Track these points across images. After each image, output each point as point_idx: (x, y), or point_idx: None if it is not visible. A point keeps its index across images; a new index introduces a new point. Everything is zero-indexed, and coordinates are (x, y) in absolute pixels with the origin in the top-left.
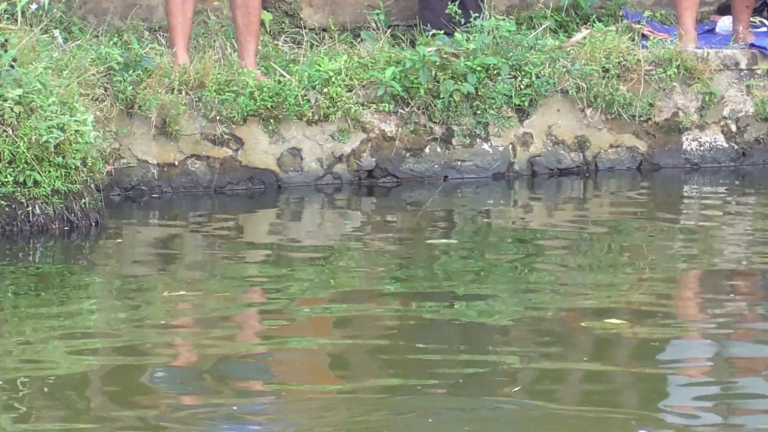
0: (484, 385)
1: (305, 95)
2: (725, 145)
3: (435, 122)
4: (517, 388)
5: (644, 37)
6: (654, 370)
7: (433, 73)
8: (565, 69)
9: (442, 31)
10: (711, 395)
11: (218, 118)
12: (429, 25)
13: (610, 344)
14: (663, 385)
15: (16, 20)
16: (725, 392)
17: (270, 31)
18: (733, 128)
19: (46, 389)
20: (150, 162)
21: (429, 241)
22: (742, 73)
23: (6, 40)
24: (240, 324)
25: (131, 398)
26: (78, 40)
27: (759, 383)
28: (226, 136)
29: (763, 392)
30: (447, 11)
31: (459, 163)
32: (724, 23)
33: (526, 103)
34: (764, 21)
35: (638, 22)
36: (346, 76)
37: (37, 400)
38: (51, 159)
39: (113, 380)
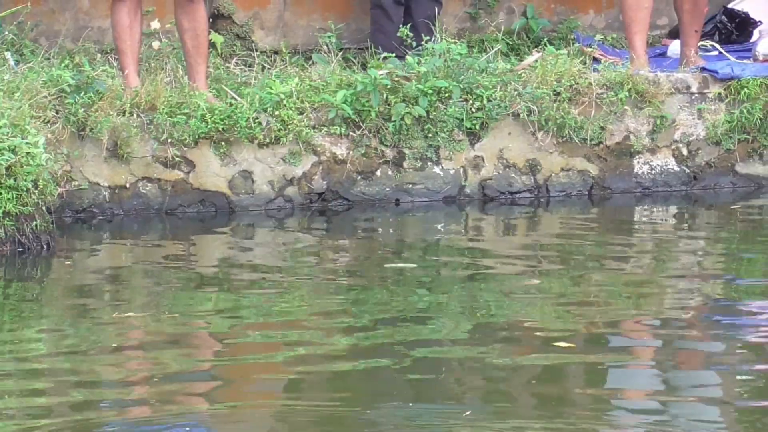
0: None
1: (257, 118)
2: (676, 168)
3: (386, 145)
4: (468, 412)
5: (596, 60)
6: (600, 393)
7: (385, 96)
8: (516, 92)
9: (394, 54)
10: (653, 419)
11: (170, 140)
12: (381, 47)
13: (557, 368)
14: (609, 409)
15: None
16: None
17: (221, 54)
18: (685, 152)
19: None
20: (101, 184)
21: (387, 265)
22: (693, 97)
23: None
24: (189, 346)
25: (81, 417)
26: (29, 62)
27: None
28: (177, 159)
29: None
30: (398, 34)
31: (410, 186)
32: (675, 47)
33: (478, 126)
34: (715, 45)
35: (589, 46)
36: (298, 98)
37: None
38: (2, 181)
39: (62, 405)
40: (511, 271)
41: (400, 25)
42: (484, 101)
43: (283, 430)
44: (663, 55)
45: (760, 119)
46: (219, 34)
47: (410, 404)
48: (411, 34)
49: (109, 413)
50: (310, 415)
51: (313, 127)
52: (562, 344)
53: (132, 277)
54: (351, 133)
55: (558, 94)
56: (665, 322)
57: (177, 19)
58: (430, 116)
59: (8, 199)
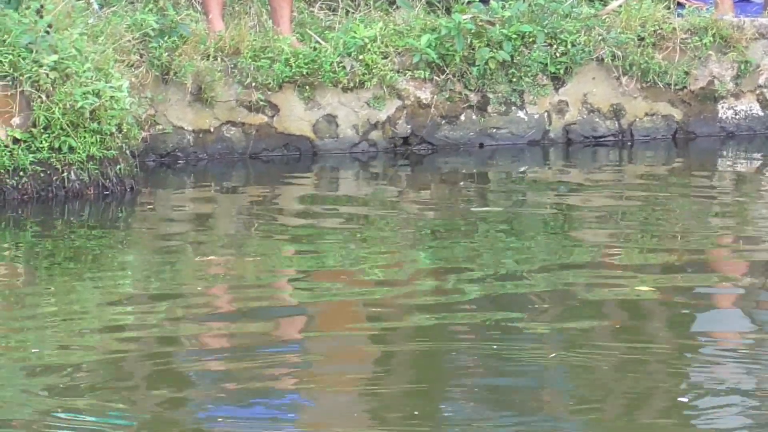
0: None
1: (341, 62)
2: (761, 113)
3: (470, 90)
4: (553, 355)
5: (680, 5)
6: (687, 341)
7: (469, 40)
8: (600, 37)
9: None
10: (745, 368)
11: (253, 84)
12: None
13: (642, 312)
14: (697, 355)
15: None
16: (756, 361)
17: None
18: None
19: (82, 361)
20: (185, 128)
21: (473, 209)
22: None
23: (41, 6)
24: (271, 291)
25: (164, 368)
26: (113, 6)
27: None
28: (261, 103)
29: None
30: None
31: (494, 130)
32: None
33: (562, 71)
34: None
35: None
36: (382, 43)
37: (73, 370)
38: (86, 125)
39: (148, 349)
40: (594, 214)
41: None
42: (568, 46)
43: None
44: (747, 0)
45: None
46: None
47: (494, 346)
48: None
49: (191, 362)
50: (396, 384)
51: (398, 72)
52: (644, 288)
53: (215, 220)
54: (435, 78)
55: (642, 39)
56: (753, 265)
57: None
58: (515, 61)
59: (92, 142)
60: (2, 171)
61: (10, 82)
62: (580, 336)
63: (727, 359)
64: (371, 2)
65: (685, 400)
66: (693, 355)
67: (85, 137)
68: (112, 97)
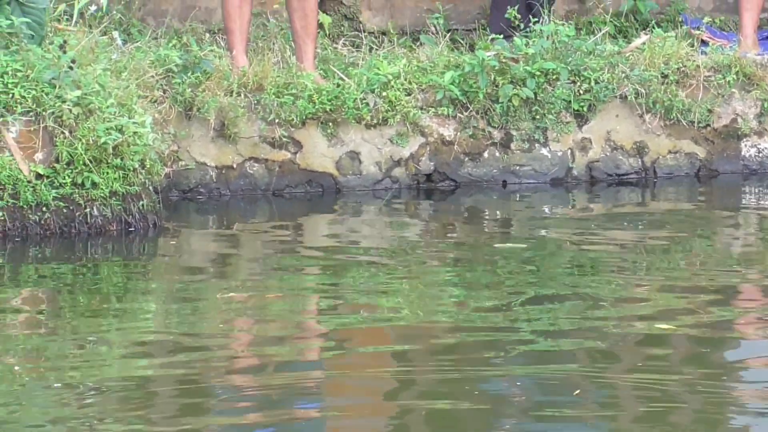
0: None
1: (364, 99)
2: None
3: (494, 127)
4: (577, 392)
5: (703, 43)
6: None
7: (492, 77)
8: (624, 74)
9: (501, 36)
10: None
11: (277, 121)
12: (500, 32)
13: (664, 349)
14: (717, 388)
15: (75, 22)
16: None
17: (329, 35)
18: None
19: (103, 390)
20: (208, 164)
21: (496, 245)
22: None
23: (65, 42)
24: (295, 329)
25: (184, 400)
26: (137, 41)
27: None
28: (284, 139)
29: None
30: (506, 16)
31: (518, 167)
32: None
33: (585, 108)
34: None
35: (697, 28)
36: (405, 79)
37: (93, 403)
38: (109, 161)
39: (168, 383)
40: (617, 252)
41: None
42: (592, 83)
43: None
44: None
45: None
46: (327, 14)
47: (518, 383)
48: (519, 16)
49: (215, 398)
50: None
51: (421, 108)
52: (665, 326)
53: (238, 257)
54: (458, 115)
55: (666, 76)
56: None
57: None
58: (538, 98)
59: (115, 178)
60: (25, 206)
61: (33, 118)
62: (603, 371)
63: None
64: (395, 39)
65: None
66: (720, 391)
67: (107, 173)
68: (135, 132)
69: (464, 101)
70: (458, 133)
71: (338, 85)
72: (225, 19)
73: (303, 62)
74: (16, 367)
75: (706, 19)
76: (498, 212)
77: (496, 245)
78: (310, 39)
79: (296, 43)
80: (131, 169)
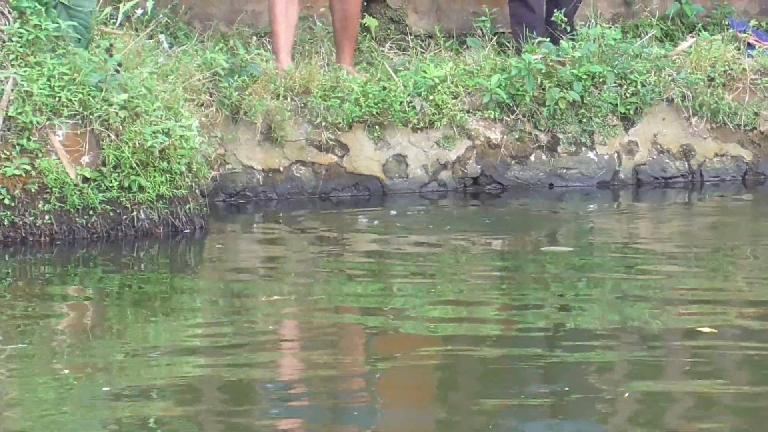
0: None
1: (411, 102)
2: None
3: (540, 130)
4: (627, 395)
5: (750, 46)
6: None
7: (539, 80)
8: (670, 77)
9: (548, 39)
10: None
11: (323, 124)
12: (521, 40)
13: (709, 356)
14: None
15: (122, 25)
16: None
17: (375, 38)
18: None
19: (150, 392)
20: (255, 168)
21: (542, 249)
22: None
23: (111, 45)
24: (340, 333)
25: (232, 404)
26: (183, 45)
27: None
28: (331, 142)
29: None
30: (553, 19)
31: (564, 170)
32: None
33: (632, 112)
34: None
35: (744, 31)
36: (452, 83)
37: (141, 405)
38: (156, 164)
39: (214, 385)
40: (663, 255)
41: (542, 16)
42: (638, 86)
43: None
44: None
45: None
46: (373, 17)
47: (566, 388)
48: (565, 19)
49: (262, 400)
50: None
51: (467, 112)
52: (706, 330)
53: (284, 260)
54: (505, 118)
55: (712, 79)
56: None
57: (331, 1)
58: (584, 101)
59: (162, 182)
60: (72, 210)
61: (80, 121)
62: (648, 372)
63: None
64: (441, 42)
65: None
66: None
67: (154, 176)
68: (181, 136)
69: (511, 104)
70: (505, 137)
71: (384, 89)
72: (271, 22)
73: (340, 61)
74: (66, 371)
75: (753, 22)
76: (544, 215)
77: (542, 248)
78: (348, 39)
79: (336, 42)
80: (178, 172)
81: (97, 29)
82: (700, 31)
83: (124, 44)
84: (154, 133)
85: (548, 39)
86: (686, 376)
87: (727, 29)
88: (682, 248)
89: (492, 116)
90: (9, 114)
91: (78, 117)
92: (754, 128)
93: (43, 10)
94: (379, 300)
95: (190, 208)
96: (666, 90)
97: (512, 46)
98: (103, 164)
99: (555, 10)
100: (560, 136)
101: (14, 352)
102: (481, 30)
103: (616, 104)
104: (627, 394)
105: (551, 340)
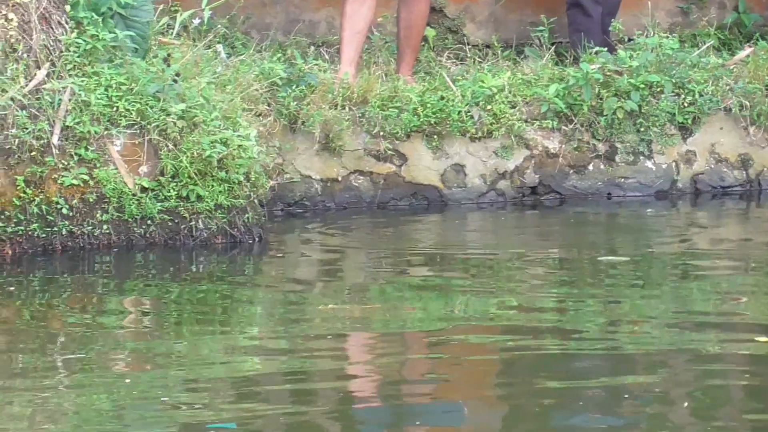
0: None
1: (468, 111)
2: None
3: (598, 139)
4: (685, 405)
5: None
6: None
7: (597, 90)
8: (728, 87)
9: (605, 49)
10: None
11: (382, 133)
12: (579, 48)
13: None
14: None
15: (179, 35)
16: None
17: (433, 48)
18: None
19: (209, 403)
20: (313, 177)
21: (599, 258)
22: None
23: (169, 55)
24: (400, 341)
25: (290, 411)
26: (241, 55)
27: None
28: (389, 152)
29: None
30: (611, 28)
31: (622, 180)
32: None
33: (690, 121)
34: None
35: None
36: (510, 92)
37: (199, 416)
38: (214, 174)
39: (274, 395)
40: (722, 266)
41: (599, 23)
42: (696, 96)
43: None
44: None
45: None
46: (431, 27)
47: (625, 394)
48: (623, 29)
49: (321, 408)
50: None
51: (525, 121)
52: (764, 339)
53: (342, 269)
54: (563, 127)
55: None
56: None
57: (398, 8)
58: (642, 110)
59: (220, 191)
60: (130, 219)
61: (138, 131)
62: (706, 390)
63: None
64: (499, 52)
65: None
66: None
67: (212, 186)
68: (240, 146)
69: (569, 114)
70: (563, 146)
71: (442, 98)
72: (339, 28)
73: (400, 70)
74: (127, 380)
75: None
76: (602, 225)
77: (599, 258)
78: (411, 49)
79: (398, 50)
80: (236, 182)
81: (155, 39)
82: (757, 40)
83: (182, 54)
84: (212, 142)
85: (605, 48)
86: (742, 379)
87: None
88: (740, 258)
89: (550, 126)
90: (67, 124)
91: (136, 127)
92: None
93: (100, 20)
94: (438, 307)
95: (248, 218)
96: (724, 99)
97: (570, 56)
98: (161, 174)
99: (612, 20)
100: (618, 145)
101: (73, 362)
102: (539, 40)
103: (674, 114)
104: (685, 393)
105: (607, 349)
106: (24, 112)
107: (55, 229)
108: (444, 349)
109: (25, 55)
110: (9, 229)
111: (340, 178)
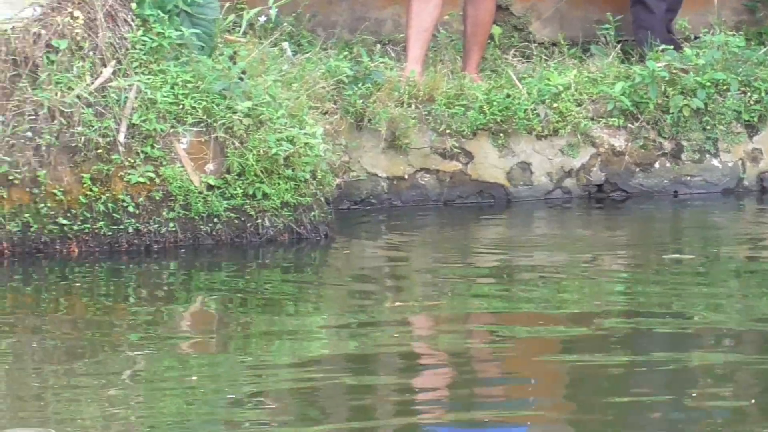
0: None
1: (535, 109)
2: None
3: (664, 137)
4: (752, 401)
5: None
6: None
7: (663, 88)
8: None
9: (672, 47)
10: None
11: (448, 131)
12: (644, 44)
13: None
14: None
15: (245, 33)
16: None
17: (499, 45)
18: None
19: (275, 402)
20: (379, 175)
21: (664, 256)
22: None
23: (235, 53)
24: (467, 339)
25: (355, 412)
26: (307, 53)
27: None
28: (455, 150)
29: None
30: (676, 26)
31: (688, 178)
32: None
33: (756, 119)
34: None
35: None
36: (576, 90)
37: (266, 415)
38: (280, 171)
39: (339, 394)
40: None
41: (662, 19)
42: (762, 94)
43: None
44: None
45: None
46: (497, 25)
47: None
48: (689, 27)
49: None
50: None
51: (591, 119)
52: None
53: (408, 267)
54: (629, 125)
55: None
56: None
57: (464, 6)
58: (708, 108)
59: (286, 189)
60: (196, 217)
61: (204, 129)
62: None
63: None
64: (565, 50)
65: None
66: None
67: (279, 184)
68: (306, 143)
69: (635, 112)
70: (629, 144)
71: (508, 96)
72: (405, 26)
73: (466, 68)
74: (193, 377)
75: None
76: (668, 223)
77: (664, 256)
78: (477, 46)
79: (464, 47)
80: (302, 180)
81: (221, 37)
82: None
83: (248, 52)
84: (278, 140)
85: (672, 46)
86: None
87: None
88: None
89: (616, 124)
90: (133, 122)
91: (202, 125)
92: None
93: (166, 18)
94: (504, 306)
95: (314, 216)
96: None
97: (636, 53)
98: (228, 172)
99: (674, 17)
100: (684, 143)
101: (139, 360)
102: (605, 37)
103: (740, 112)
104: (753, 401)
105: (674, 345)
106: (90, 109)
107: (121, 227)
108: (514, 348)
109: (91, 53)
110: (75, 227)
111: (406, 176)
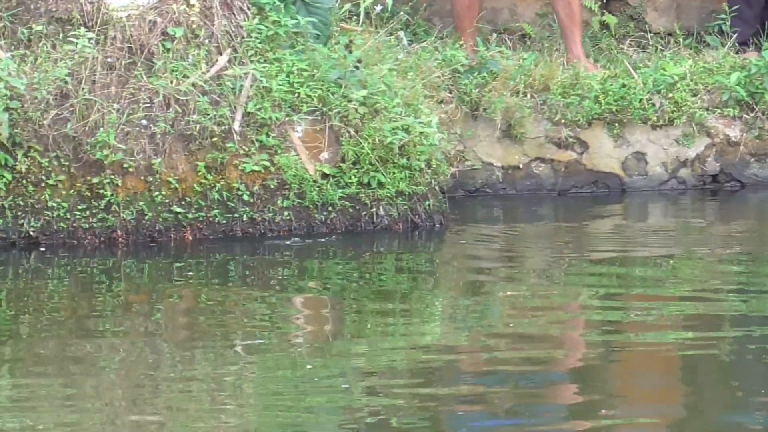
0: None
1: (650, 99)
2: None
3: None
4: None
5: None
6: None
7: None
8: None
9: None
10: None
11: (563, 121)
12: (738, 35)
13: None
14: None
15: (361, 22)
16: None
17: (615, 35)
18: None
19: (389, 390)
20: (494, 164)
21: None
22: None
23: (351, 41)
24: (578, 328)
25: (466, 399)
26: (423, 42)
27: None
28: (570, 140)
29: None
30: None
31: None
32: None
33: None
34: None
35: None
36: (691, 80)
37: (379, 402)
38: (395, 160)
39: (451, 383)
40: None
41: (759, 12)
42: None
43: None
44: None
45: None
46: (612, 15)
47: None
48: None
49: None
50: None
51: (707, 109)
52: None
53: (523, 256)
54: (744, 116)
55: None
56: None
57: None
58: None
59: (401, 178)
60: (311, 206)
61: (319, 117)
62: None
63: None
64: (681, 40)
65: None
66: None
67: (394, 173)
68: (421, 132)
69: (750, 102)
70: (744, 134)
71: (624, 86)
72: (455, 18)
73: (572, 51)
74: (308, 366)
75: None
76: None
77: None
78: (576, 26)
79: (563, 32)
80: (417, 169)
81: (337, 26)
82: None
83: (364, 41)
84: (393, 129)
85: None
86: None
87: None
88: None
89: (731, 114)
90: (248, 110)
91: (317, 113)
92: None
93: (282, 6)
94: (617, 295)
95: (429, 205)
96: None
97: (752, 43)
98: (342, 160)
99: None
100: None
101: (254, 348)
102: (721, 28)
103: None
104: None
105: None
106: (205, 98)
107: (236, 215)
108: (623, 342)
109: (206, 41)
110: (190, 215)
111: (521, 166)
